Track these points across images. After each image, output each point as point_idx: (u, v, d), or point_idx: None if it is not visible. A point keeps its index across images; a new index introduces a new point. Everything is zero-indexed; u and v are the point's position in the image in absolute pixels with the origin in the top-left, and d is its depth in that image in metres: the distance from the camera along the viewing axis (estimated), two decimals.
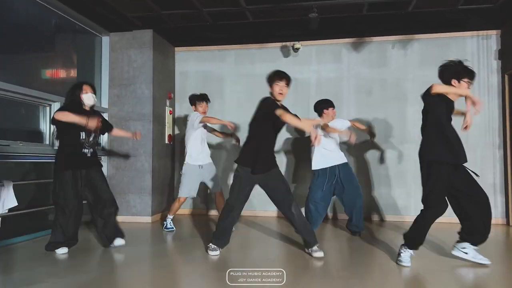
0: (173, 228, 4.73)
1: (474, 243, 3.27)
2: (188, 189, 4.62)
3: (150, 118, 5.38)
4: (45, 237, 4.01)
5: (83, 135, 3.63)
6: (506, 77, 5.31)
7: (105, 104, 5.47)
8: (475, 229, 3.21)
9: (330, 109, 4.48)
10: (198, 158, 4.64)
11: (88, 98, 3.69)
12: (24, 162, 4.25)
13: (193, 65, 6.22)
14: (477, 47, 5.50)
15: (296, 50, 5.77)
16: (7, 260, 3.48)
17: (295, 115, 3.43)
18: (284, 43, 5.90)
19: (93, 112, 3.77)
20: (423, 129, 3.28)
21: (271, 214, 5.80)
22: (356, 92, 5.72)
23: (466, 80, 3.19)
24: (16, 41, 4.16)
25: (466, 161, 3.17)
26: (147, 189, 5.34)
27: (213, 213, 5.91)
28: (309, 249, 3.54)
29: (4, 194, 3.71)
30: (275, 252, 3.85)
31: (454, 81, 3.19)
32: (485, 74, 5.46)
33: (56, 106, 4.46)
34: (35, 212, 4.38)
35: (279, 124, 3.51)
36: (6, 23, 4.00)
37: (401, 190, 5.57)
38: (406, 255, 3.23)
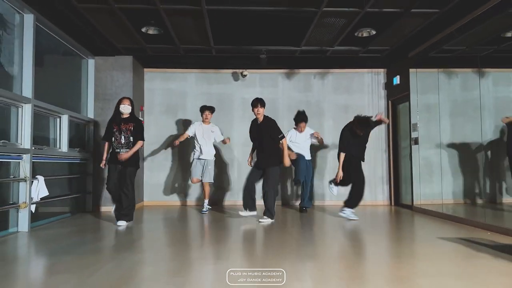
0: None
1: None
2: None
3: None
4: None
5: (117, 138, 5.08)
6: (390, 102, 7.65)
7: (90, 114, 6.65)
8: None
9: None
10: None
11: (122, 108, 5.07)
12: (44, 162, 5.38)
13: (159, 84, 7.62)
14: (371, 80, 7.76)
15: (244, 76, 7.51)
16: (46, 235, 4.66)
17: None
18: (234, 70, 7.60)
19: (129, 119, 5.12)
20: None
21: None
22: (288, 110, 7.62)
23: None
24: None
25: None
26: None
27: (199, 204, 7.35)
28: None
29: (38, 186, 4.86)
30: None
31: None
32: (376, 99, 7.74)
33: (64, 118, 5.65)
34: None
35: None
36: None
37: (319, 182, 7.59)
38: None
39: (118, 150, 5.06)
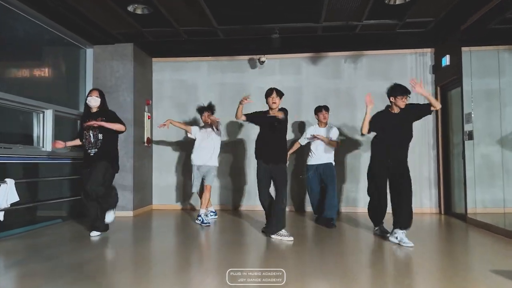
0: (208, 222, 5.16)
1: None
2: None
3: (131, 123, 5.99)
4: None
5: (86, 137, 4.36)
6: (438, 88, 6.29)
7: None
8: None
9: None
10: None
11: (89, 101, 4.36)
12: (22, 162, 4.80)
13: (169, 74, 6.87)
14: (415, 63, 6.45)
15: (262, 63, 6.54)
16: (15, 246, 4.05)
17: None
18: (251, 57, 6.66)
19: (98, 113, 4.39)
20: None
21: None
22: (314, 99, 6.52)
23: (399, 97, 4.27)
24: (11, 53, 4.73)
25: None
26: (128, 186, 5.94)
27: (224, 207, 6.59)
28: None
29: (7, 190, 4.26)
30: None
31: (391, 98, 4.32)
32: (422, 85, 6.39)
33: (48, 113, 5.04)
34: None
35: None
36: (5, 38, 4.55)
37: (352, 185, 6.43)
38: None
39: (89, 151, 4.36)
